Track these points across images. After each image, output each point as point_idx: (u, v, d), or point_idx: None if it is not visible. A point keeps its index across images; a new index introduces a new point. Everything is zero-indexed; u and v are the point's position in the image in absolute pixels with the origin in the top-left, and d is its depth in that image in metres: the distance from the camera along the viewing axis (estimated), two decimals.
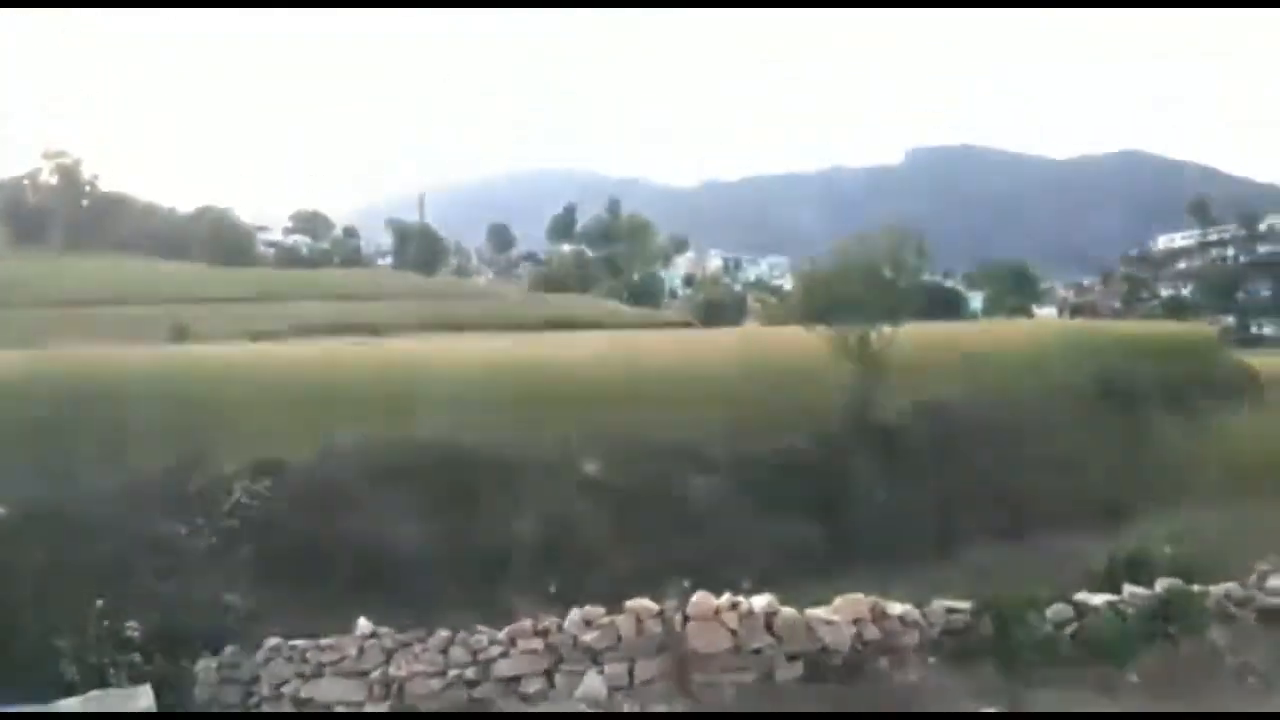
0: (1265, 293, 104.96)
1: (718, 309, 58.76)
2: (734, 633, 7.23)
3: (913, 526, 12.31)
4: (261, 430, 11.02)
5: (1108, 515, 13.16)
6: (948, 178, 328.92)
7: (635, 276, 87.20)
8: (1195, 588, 7.86)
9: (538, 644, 7.20)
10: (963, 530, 12.59)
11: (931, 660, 7.16)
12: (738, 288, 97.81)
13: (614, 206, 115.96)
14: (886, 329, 13.02)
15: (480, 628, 7.34)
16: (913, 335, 17.41)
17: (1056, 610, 7.57)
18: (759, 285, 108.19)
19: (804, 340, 15.26)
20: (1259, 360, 31.84)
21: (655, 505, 12.27)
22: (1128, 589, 7.82)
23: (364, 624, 7.43)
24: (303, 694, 7.19)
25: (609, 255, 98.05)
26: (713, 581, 8.23)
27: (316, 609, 8.26)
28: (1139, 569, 8.19)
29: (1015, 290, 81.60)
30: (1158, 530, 10.40)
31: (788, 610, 7.34)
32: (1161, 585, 7.82)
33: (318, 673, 7.23)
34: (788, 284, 73.72)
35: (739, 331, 32.11)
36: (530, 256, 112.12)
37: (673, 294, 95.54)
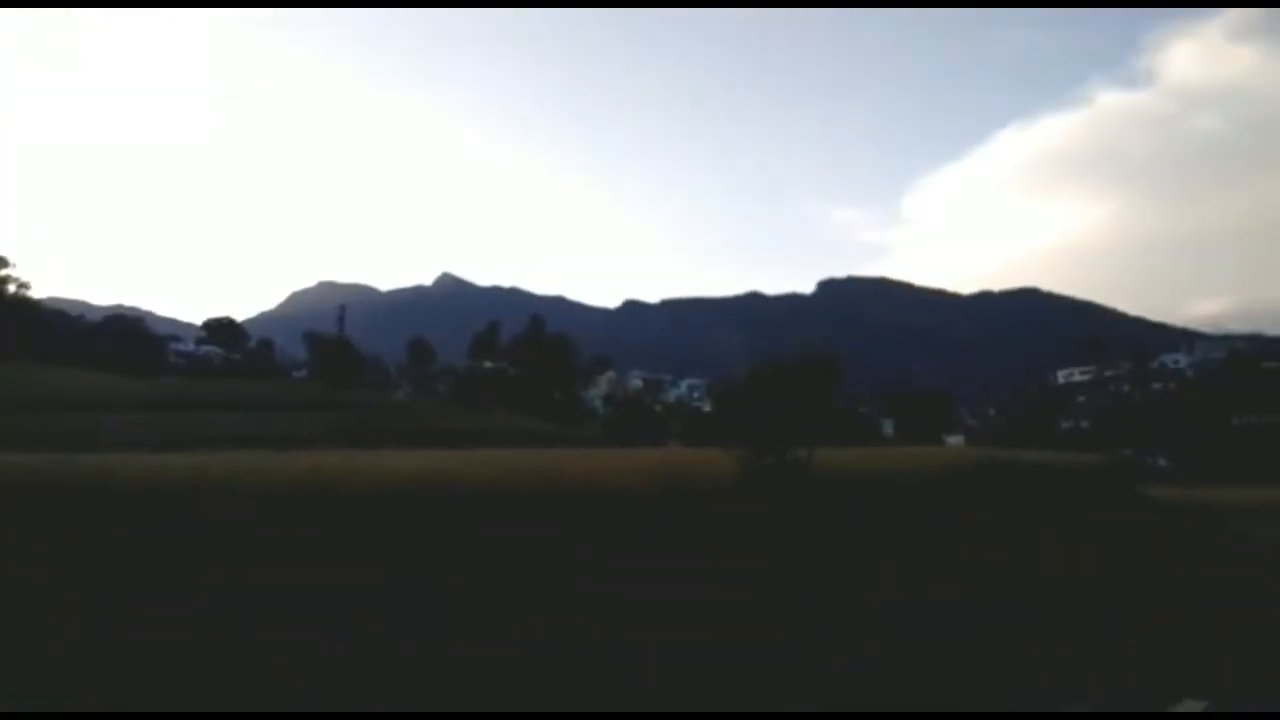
0: (1158, 427, 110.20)
1: (637, 428, 58.95)
2: None
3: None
4: None
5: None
6: (857, 308, 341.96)
7: (556, 395, 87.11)
8: None
9: None
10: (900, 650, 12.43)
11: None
12: (658, 408, 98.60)
13: (537, 324, 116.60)
14: (802, 452, 13.13)
15: None
16: (827, 458, 17.65)
17: None
18: (679, 406, 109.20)
19: (723, 461, 15.31)
20: (1160, 491, 33.18)
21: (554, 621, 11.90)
22: None
23: None
24: None
25: (531, 373, 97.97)
26: None
27: None
28: None
29: (926, 416, 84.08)
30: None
31: None
32: None
33: None
34: (708, 405, 74.49)
35: (659, 452, 32.09)
36: (450, 371, 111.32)
37: (594, 413, 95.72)
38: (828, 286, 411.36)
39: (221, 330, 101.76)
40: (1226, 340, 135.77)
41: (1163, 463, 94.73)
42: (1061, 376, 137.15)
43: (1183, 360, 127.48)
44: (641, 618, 10.34)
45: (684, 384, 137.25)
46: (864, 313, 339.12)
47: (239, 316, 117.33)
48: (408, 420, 44.54)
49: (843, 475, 15.82)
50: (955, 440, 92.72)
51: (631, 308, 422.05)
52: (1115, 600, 13.68)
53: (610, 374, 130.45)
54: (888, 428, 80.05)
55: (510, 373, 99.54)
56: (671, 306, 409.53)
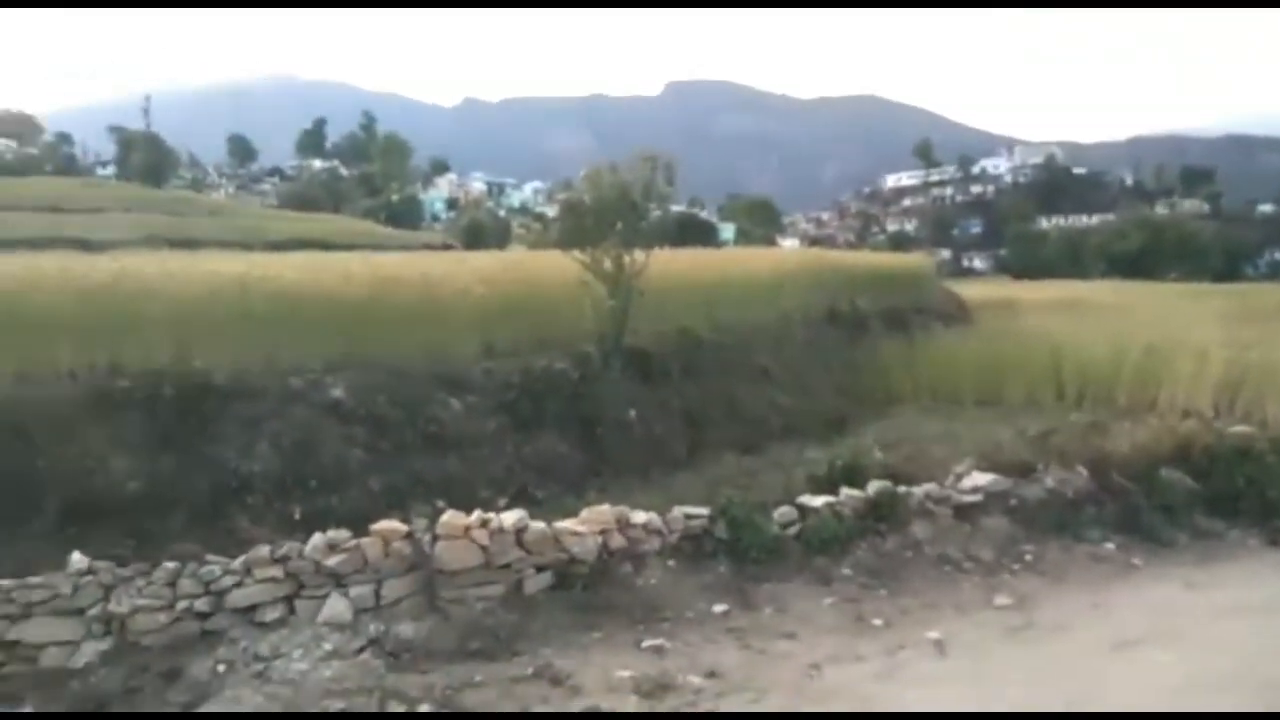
0: (976, 229, 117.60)
1: (481, 233, 57.86)
2: (484, 549, 7.30)
3: (660, 443, 12.87)
4: None
5: (835, 427, 14.39)
6: (702, 111, 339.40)
7: (393, 198, 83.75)
8: (901, 488, 8.79)
9: (277, 571, 6.91)
10: (706, 445, 13.31)
11: (670, 563, 7.59)
12: (502, 212, 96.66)
13: (369, 123, 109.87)
14: (640, 254, 13.29)
15: (212, 558, 6.94)
16: (666, 261, 17.95)
17: (783, 513, 8.23)
18: (523, 210, 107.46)
19: (564, 265, 15.36)
20: (969, 288, 35.89)
21: (408, 429, 12.03)
22: (844, 491, 8.63)
23: (78, 558, 6.81)
24: (10, 636, 6.52)
25: (364, 174, 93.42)
26: (467, 502, 8.28)
27: (23, 549, 7.47)
28: (855, 473, 9.04)
29: (762, 222, 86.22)
30: (873, 438, 11.49)
31: (537, 524, 7.49)
32: (873, 487, 8.70)
33: (26, 613, 6.56)
34: (552, 209, 73.63)
35: (500, 255, 31.81)
36: (276, 172, 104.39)
37: (434, 217, 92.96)
38: (674, 89, 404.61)
39: (13, 123, 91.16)
40: (1043, 147, 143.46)
41: (979, 263, 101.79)
42: (891, 180, 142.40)
43: (1002, 165, 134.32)
44: None
45: (528, 187, 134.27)
46: (710, 117, 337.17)
47: (34, 110, 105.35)
48: (228, 222, 41.95)
49: (672, 275, 16.24)
50: (790, 244, 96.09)
51: (470, 106, 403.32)
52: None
53: (451, 176, 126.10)
54: (728, 232, 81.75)
55: (342, 173, 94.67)
56: (512, 106, 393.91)
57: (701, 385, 15.25)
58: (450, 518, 7.38)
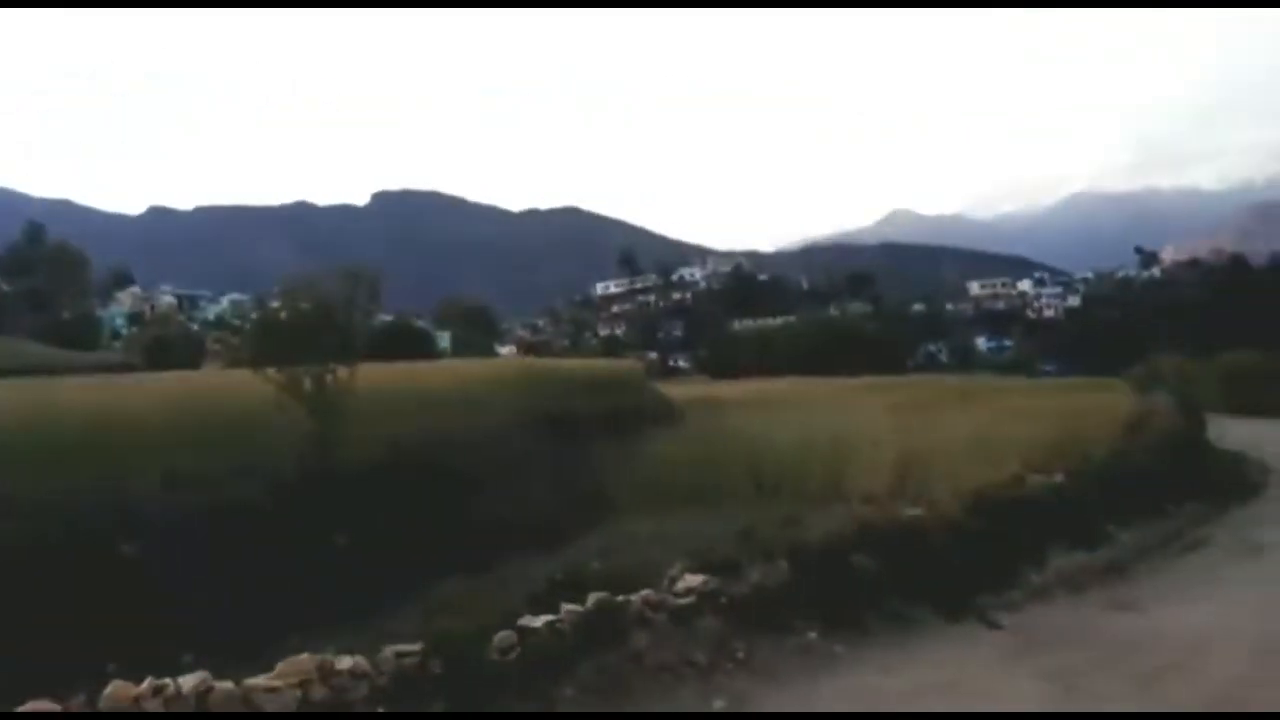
0: (678, 332, 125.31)
1: (168, 350, 53.22)
2: None
3: (373, 571, 12.11)
4: None
5: (557, 535, 14.29)
6: (412, 221, 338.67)
7: (65, 314, 75.40)
8: (620, 598, 8.77)
9: None
10: (425, 569, 12.68)
11: (380, 709, 7.00)
12: (195, 327, 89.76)
13: (35, 231, 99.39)
14: (342, 370, 12.70)
15: None
16: (376, 375, 17.31)
17: (502, 637, 7.89)
18: (220, 324, 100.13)
19: (263, 384, 14.32)
20: (675, 389, 37.79)
21: (72, 583, 10.50)
22: (564, 607, 8.47)
23: None
24: None
25: (30, 288, 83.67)
26: (150, 662, 7.26)
27: None
28: (574, 586, 8.91)
29: (478, 329, 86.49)
30: (590, 547, 11.50)
31: (223, 685, 6.64)
32: (592, 599, 8.61)
33: None
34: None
35: (185, 375, 29.29)
36: None
37: (115, 334, 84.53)
38: (382, 198, 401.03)
39: None
40: (730, 256, 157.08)
41: (682, 363, 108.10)
42: (600, 289, 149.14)
43: (697, 273, 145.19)
44: None
45: (225, 300, 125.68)
46: (419, 226, 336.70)
47: None
48: None
49: (383, 390, 15.72)
50: (508, 350, 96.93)
51: (159, 215, 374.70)
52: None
53: (134, 289, 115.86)
54: (444, 340, 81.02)
55: (4, 289, 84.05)
56: (207, 214, 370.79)
57: (420, 504, 14.66)
58: (115, 689, 6.37)
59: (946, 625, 9.68)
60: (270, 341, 14.45)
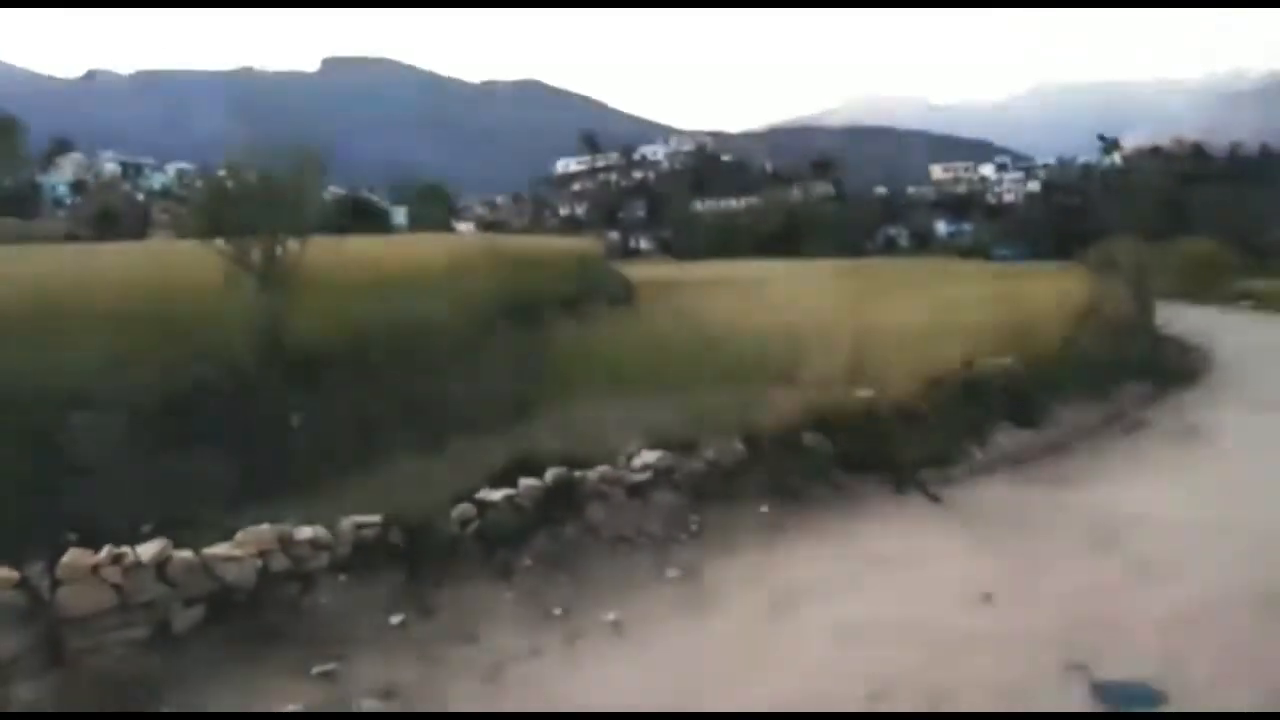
0: (640, 213, 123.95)
1: (115, 221, 51.78)
2: (119, 588, 6.42)
3: (331, 449, 12.10)
4: None
5: (514, 416, 14.37)
6: (365, 90, 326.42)
7: (4, 182, 72.61)
8: (577, 473, 8.94)
9: None
10: (382, 447, 12.69)
11: (342, 578, 7.15)
12: (141, 197, 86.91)
13: None
14: (293, 245, 12.40)
15: None
16: (330, 250, 16.95)
17: (461, 510, 8.05)
18: (167, 194, 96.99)
19: (215, 258, 13.97)
20: (635, 270, 37.68)
21: (30, 457, 10.40)
22: (522, 482, 8.62)
23: None
24: None
25: None
26: (106, 535, 7.30)
27: None
28: (532, 463, 9.05)
29: (435, 206, 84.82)
30: (548, 427, 11.60)
31: (183, 554, 6.72)
32: (550, 475, 8.77)
33: None
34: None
35: (139, 246, 28.53)
36: None
37: (58, 203, 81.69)
38: (333, 65, 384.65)
39: None
40: (695, 135, 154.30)
41: (644, 244, 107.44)
42: (560, 166, 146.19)
43: (660, 152, 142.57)
44: None
45: (170, 168, 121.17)
46: (373, 96, 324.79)
47: None
48: None
49: (336, 266, 15.42)
50: (466, 228, 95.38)
51: (97, 80, 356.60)
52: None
53: (76, 156, 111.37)
54: (400, 217, 79.41)
55: None
56: (148, 79, 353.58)
57: (375, 384, 14.55)
58: (73, 557, 6.42)
59: (892, 499, 10.03)
60: (217, 212, 13.99)
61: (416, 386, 15.24)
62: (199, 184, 19.17)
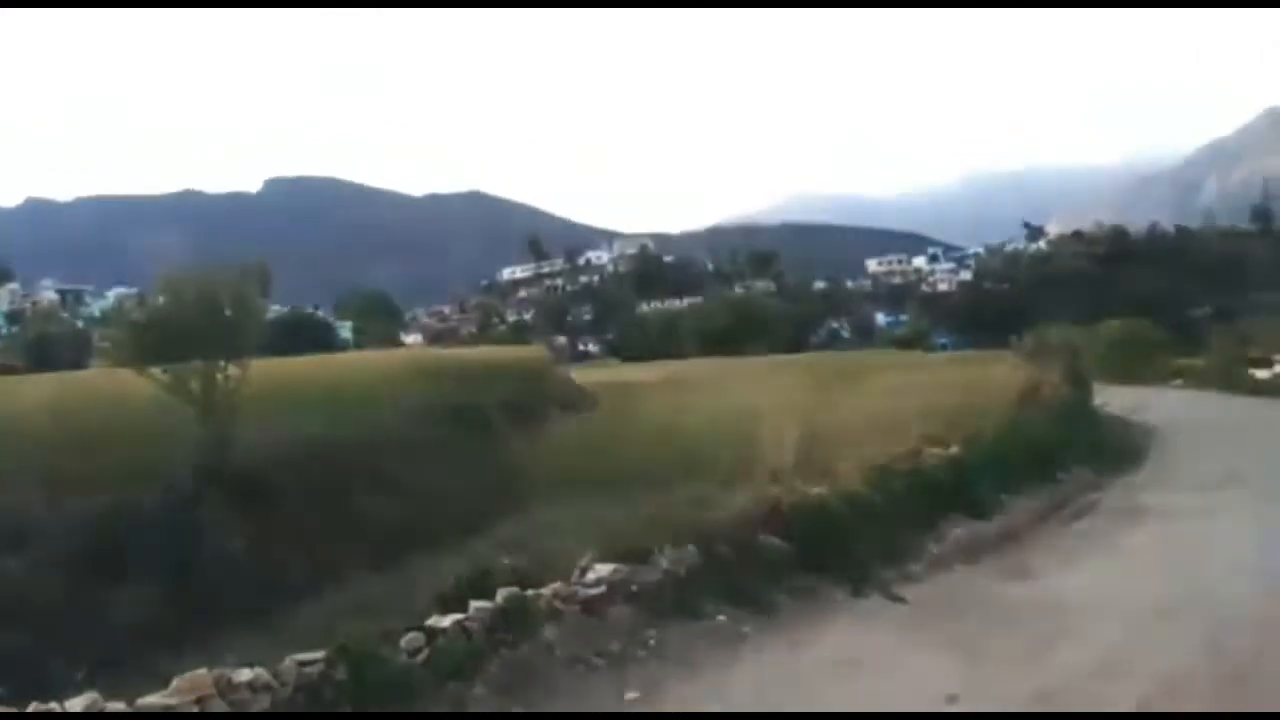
0: (587, 316, 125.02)
1: (51, 349, 50.72)
2: None
3: (275, 576, 11.75)
4: None
5: (464, 530, 14.07)
6: (308, 208, 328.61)
7: None
8: (530, 592, 8.69)
9: None
10: (330, 571, 12.34)
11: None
12: (80, 324, 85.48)
13: None
14: (233, 368, 12.22)
15: None
16: (275, 370, 16.76)
17: (410, 639, 7.73)
18: (107, 321, 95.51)
19: (147, 383, 13.68)
20: (584, 374, 37.73)
21: None
22: (473, 605, 8.33)
23: None
24: None
25: None
26: (37, 682, 6.91)
27: None
28: (482, 583, 8.78)
29: (382, 319, 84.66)
30: (501, 541, 11.35)
31: (115, 706, 6.34)
32: (502, 595, 8.50)
33: None
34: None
35: (74, 376, 27.88)
36: None
37: None
38: (275, 185, 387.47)
39: None
40: (637, 238, 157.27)
41: (592, 347, 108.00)
42: (506, 274, 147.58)
43: (604, 257, 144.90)
44: None
45: (112, 294, 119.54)
46: (317, 214, 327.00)
47: None
48: None
49: (281, 385, 15.23)
50: (414, 339, 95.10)
51: (36, 207, 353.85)
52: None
53: (12, 285, 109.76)
54: (346, 331, 79.00)
55: None
56: (89, 205, 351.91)
57: (322, 503, 14.25)
58: None
59: (852, 599, 9.92)
60: (152, 339, 13.78)
61: (364, 505, 14.95)
62: (133, 310, 18.88)
